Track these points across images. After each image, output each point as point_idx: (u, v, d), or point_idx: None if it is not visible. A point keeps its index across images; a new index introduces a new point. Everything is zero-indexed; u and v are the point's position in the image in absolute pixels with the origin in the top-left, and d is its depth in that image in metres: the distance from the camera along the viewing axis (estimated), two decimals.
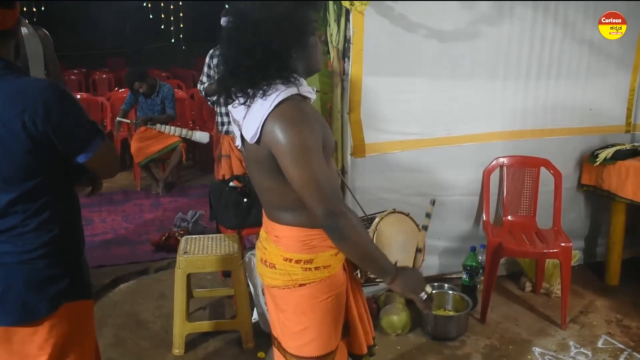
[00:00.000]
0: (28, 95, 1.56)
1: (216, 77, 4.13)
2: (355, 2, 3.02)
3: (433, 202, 1.93)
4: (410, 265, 1.98)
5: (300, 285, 1.81)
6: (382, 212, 2.05)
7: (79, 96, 7.59)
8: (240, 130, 1.79)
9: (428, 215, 1.91)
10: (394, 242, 2.00)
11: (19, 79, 1.62)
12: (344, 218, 1.61)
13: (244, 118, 1.74)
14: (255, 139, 1.68)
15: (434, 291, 1.83)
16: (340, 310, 1.90)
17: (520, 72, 3.67)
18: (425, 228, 1.92)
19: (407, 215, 2.10)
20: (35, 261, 1.66)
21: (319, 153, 1.65)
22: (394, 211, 2.06)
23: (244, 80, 1.70)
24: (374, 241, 1.92)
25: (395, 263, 1.76)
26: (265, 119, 1.64)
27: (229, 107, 1.84)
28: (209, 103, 4.60)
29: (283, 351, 1.92)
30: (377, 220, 1.99)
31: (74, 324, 1.76)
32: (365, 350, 2.02)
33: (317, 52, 1.83)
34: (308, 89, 1.75)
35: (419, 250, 1.93)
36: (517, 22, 3.55)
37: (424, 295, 1.77)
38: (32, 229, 1.65)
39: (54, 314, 1.70)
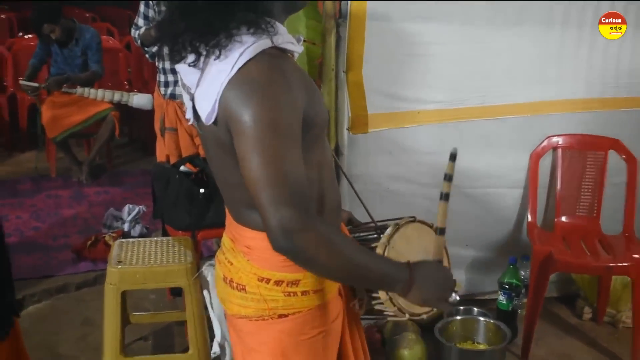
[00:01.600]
0: None
1: (157, 21, 4.14)
2: None
3: (454, 157, 1.80)
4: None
5: (280, 316, 1.76)
6: (398, 219, 1.99)
7: None
8: (192, 100, 1.70)
9: (449, 178, 1.78)
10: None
11: None
12: (305, 234, 1.50)
13: (197, 86, 1.66)
14: (213, 118, 1.60)
15: (459, 317, 1.78)
16: (332, 350, 1.89)
17: (586, 19, 3.65)
18: (446, 197, 1.78)
19: (432, 226, 1.98)
20: None
21: (291, 136, 1.56)
22: (414, 220, 2.01)
23: (201, 23, 1.60)
24: None
25: (408, 262, 1.66)
26: (225, 87, 1.55)
27: (177, 65, 1.74)
28: (146, 56, 4.59)
29: None
30: (389, 231, 1.91)
31: None
32: None
33: None
34: (289, 38, 1.66)
35: (440, 232, 1.80)
36: None
37: (454, 299, 1.70)
38: None
39: None
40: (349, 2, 3.23)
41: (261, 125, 1.50)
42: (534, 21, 3.61)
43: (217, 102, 1.56)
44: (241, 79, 1.53)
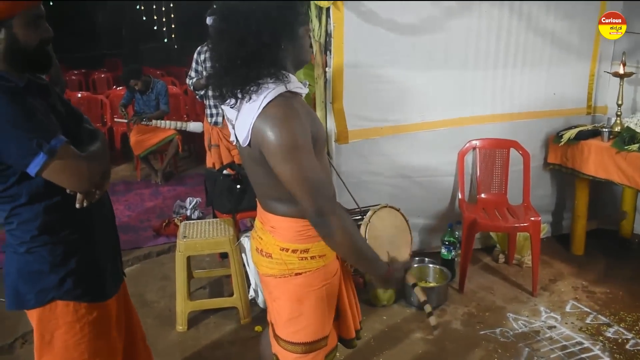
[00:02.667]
0: None
1: (206, 74, 4.09)
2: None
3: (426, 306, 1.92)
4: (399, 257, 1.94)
5: (297, 274, 1.76)
6: (375, 205, 2.00)
7: (79, 95, 7.48)
8: (234, 129, 1.72)
9: (430, 314, 1.92)
10: (385, 236, 1.94)
11: None
12: (333, 217, 1.56)
13: (236, 120, 1.67)
14: (247, 142, 1.61)
15: (416, 265, 1.81)
16: (333, 297, 1.86)
17: (489, 62, 3.66)
18: (429, 315, 1.92)
19: (398, 210, 2.04)
20: (24, 254, 1.64)
21: (308, 150, 1.57)
22: (386, 206, 2.00)
23: (237, 77, 1.59)
24: (366, 234, 1.86)
25: (388, 265, 1.76)
26: (255, 121, 1.56)
27: (223, 106, 1.74)
28: (197, 97, 4.55)
29: (277, 337, 1.88)
30: (370, 213, 1.93)
31: (63, 324, 1.68)
32: (353, 334, 2.02)
33: (306, 43, 1.73)
34: (298, 84, 1.65)
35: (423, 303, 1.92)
36: (484, 15, 3.54)
37: (433, 322, 1.88)
38: (15, 227, 1.62)
39: (42, 307, 1.66)
40: (332, 56, 3.19)
41: (285, 145, 1.53)
42: (454, 64, 3.59)
43: (250, 131, 1.58)
44: (266, 115, 1.55)
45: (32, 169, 1.49)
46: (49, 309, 1.66)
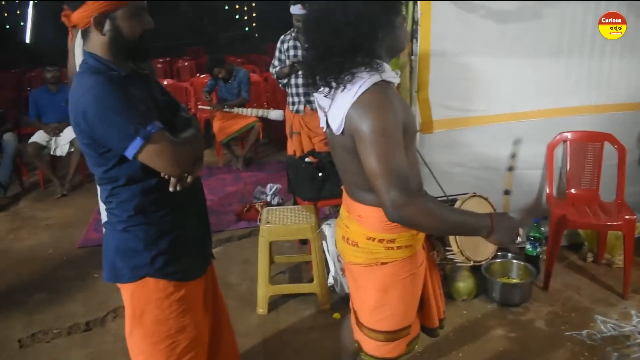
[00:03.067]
0: (77, 95, 1.57)
1: (295, 61, 4.12)
2: None
3: (516, 141, 1.75)
4: (487, 252, 1.85)
5: (383, 263, 1.77)
6: (463, 194, 1.94)
7: (165, 82, 7.74)
8: (326, 117, 1.74)
9: (512, 156, 1.75)
10: None
11: (83, 77, 1.59)
12: (408, 207, 1.50)
13: (329, 108, 1.68)
14: (341, 130, 1.62)
15: (498, 260, 1.73)
16: (418, 287, 1.86)
17: (584, 49, 3.45)
18: (510, 169, 1.77)
19: (487, 199, 1.95)
20: (121, 232, 1.73)
21: (396, 140, 1.55)
22: (475, 195, 1.93)
23: (332, 65, 1.61)
24: None
25: (490, 217, 1.60)
26: (349, 109, 1.58)
27: (315, 94, 1.77)
28: (280, 86, 4.59)
29: (359, 324, 1.90)
30: (458, 202, 1.87)
31: (153, 300, 1.76)
32: (437, 324, 2.02)
33: (402, 33, 1.72)
34: (391, 73, 1.65)
35: (506, 192, 1.80)
36: (581, 1, 3.35)
37: (519, 241, 1.67)
38: (115, 206, 1.72)
39: (135, 283, 1.74)
40: (418, 44, 3.12)
41: (375, 133, 1.53)
42: (547, 52, 3.41)
43: (344, 119, 1.60)
44: (360, 103, 1.56)
45: (129, 152, 1.57)
46: (140, 285, 1.75)
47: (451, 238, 1.81)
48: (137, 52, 1.68)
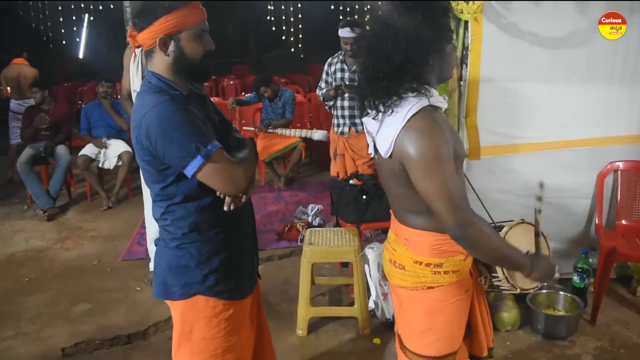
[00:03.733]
0: (139, 113, 1.61)
1: (347, 84, 4.15)
2: (464, 11, 2.90)
3: (542, 185, 1.74)
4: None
5: (429, 287, 1.75)
6: (511, 221, 1.93)
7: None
8: (374, 141, 1.75)
9: (539, 199, 1.74)
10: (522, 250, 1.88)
11: (146, 96, 1.64)
12: (473, 228, 1.54)
13: (377, 132, 1.70)
14: (389, 154, 1.64)
15: (544, 291, 1.76)
16: (465, 313, 1.84)
17: (637, 77, 3.37)
18: (539, 211, 1.76)
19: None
20: (174, 249, 1.75)
21: (449, 163, 1.57)
22: (523, 222, 1.92)
23: (379, 89, 1.64)
24: None
25: (527, 252, 1.69)
26: (398, 133, 1.59)
27: (364, 118, 1.79)
28: (326, 108, 4.61)
29: (404, 348, 1.87)
30: (505, 229, 1.86)
31: (202, 318, 1.77)
32: (485, 353, 1.96)
33: (452, 60, 1.75)
34: (439, 98, 1.67)
35: (537, 235, 1.77)
36: (635, 27, 3.27)
37: (557, 277, 1.72)
38: (169, 223, 1.74)
39: (186, 300, 1.76)
40: (468, 70, 3.10)
41: (430, 158, 1.54)
42: (599, 79, 3.34)
43: (393, 143, 1.61)
44: (410, 127, 1.57)
45: (189, 170, 1.60)
46: (191, 303, 1.76)
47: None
48: (198, 72, 1.72)
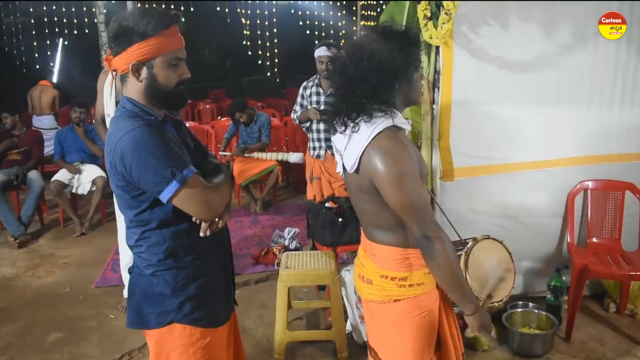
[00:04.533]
0: (114, 138, 1.60)
1: (321, 110, 4.20)
2: (433, 37, 2.97)
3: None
4: (500, 294, 1.95)
5: (395, 300, 1.82)
6: (477, 236, 1.98)
7: (187, 124, 7.84)
8: (341, 159, 1.84)
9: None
10: (486, 267, 1.93)
11: (120, 121, 1.63)
12: (439, 241, 1.64)
13: (345, 149, 1.79)
14: (355, 169, 1.73)
15: (519, 309, 1.82)
16: (433, 326, 1.88)
17: (603, 98, 3.47)
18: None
19: (501, 242, 2.02)
20: (149, 277, 1.72)
21: (415, 178, 1.67)
22: (488, 237, 1.98)
23: (354, 107, 1.73)
24: (466, 264, 1.87)
25: (477, 302, 1.79)
26: (364, 150, 1.69)
27: (333, 137, 1.89)
28: (303, 129, 4.63)
29: None
30: (471, 244, 1.92)
31: (179, 346, 1.74)
32: None
33: (419, 86, 1.85)
34: (403, 120, 1.77)
35: (489, 297, 1.89)
36: (600, 51, 3.38)
37: (491, 336, 1.81)
38: (144, 250, 1.71)
39: (161, 329, 1.73)
40: (440, 93, 3.15)
41: (397, 174, 1.64)
42: (566, 101, 3.42)
43: (358, 159, 1.71)
44: (376, 145, 1.68)
45: (164, 196, 1.59)
46: (167, 331, 1.73)
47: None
48: (171, 100, 1.71)
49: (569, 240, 3.50)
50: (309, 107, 4.33)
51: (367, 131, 1.69)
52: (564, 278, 3.41)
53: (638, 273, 3.15)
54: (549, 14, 3.25)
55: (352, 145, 1.74)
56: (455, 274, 1.70)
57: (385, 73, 1.70)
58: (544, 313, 3.30)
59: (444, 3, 2.90)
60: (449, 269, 1.68)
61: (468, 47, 3.15)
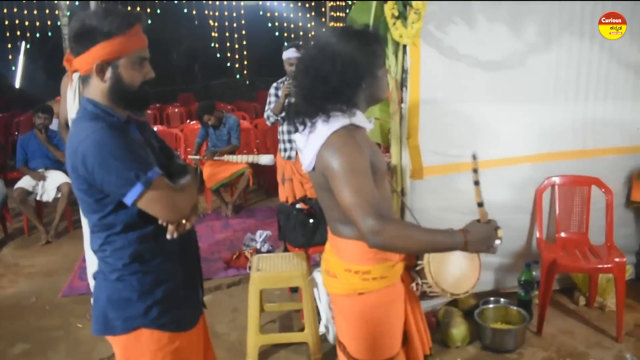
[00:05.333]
0: (75, 140, 1.57)
1: (288, 103, 4.15)
2: (403, 36, 2.98)
3: (474, 156, 1.77)
4: (465, 286, 1.95)
5: (360, 294, 1.83)
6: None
7: (155, 128, 7.73)
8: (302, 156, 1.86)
9: (475, 170, 1.80)
10: (449, 259, 1.95)
11: (82, 122, 1.60)
12: (383, 235, 1.58)
13: (304, 147, 1.81)
14: (312, 167, 1.77)
15: (491, 305, 1.78)
16: (398, 318, 1.91)
17: (570, 96, 3.55)
18: (476, 183, 1.81)
19: None
20: (114, 282, 1.69)
21: (365, 176, 1.66)
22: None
23: (315, 107, 1.75)
24: (429, 257, 1.88)
25: (463, 231, 1.65)
26: (320, 148, 1.72)
27: (295, 135, 1.90)
28: (279, 119, 4.41)
29: (347, 355, 1.93)
30: None
31: (147, 352, 1.71)
32: (422, 359, 2.02)
33: (383, 83, 1.87)
34: (362, 118, 1.79)
35: (479, 205, 1.82)
36: (564, 49, 3.45)
37: (498, 243, 1.70)
38: (109, 255, 1.68)
39: (128, 334, 1.70)
40: (408, 92, 3.17)
41: (345, 170, 1.65)
42: (534, 99, 3.50)
43: (315, 157, 1.74)
44: (329, 143, 1.70)
45: (128, 199, 1.56)
46: (134, 337, 1.70)
47: (426, 271, 1.88)
48: (136, 100, 1.68)
49: (538, 236, 3.56)
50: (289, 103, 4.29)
51: (323, 130, 1.72)
52: (534, 273, 3.47)
53: (605, 266, 3.23)
54: (514, 14, 3.31)
55: (309, 144, 1.77)
56: (423, 243, 1.63)
57: (349, 74, 1.72)
58: (515, 308, 3.35)
59: (413, 3, 2.91)
60: (413, 247, 1.64)
61: (436, 45, 3.18)
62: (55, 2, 4.46)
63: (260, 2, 8.66)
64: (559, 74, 3.50)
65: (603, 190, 3.53)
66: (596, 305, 3.63)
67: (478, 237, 1.66)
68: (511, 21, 3.32)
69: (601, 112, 3.63)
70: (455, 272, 1.94)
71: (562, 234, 3.60)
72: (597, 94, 3.59)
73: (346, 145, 1.68)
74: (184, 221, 1.68)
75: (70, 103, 3.32)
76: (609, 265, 3.21)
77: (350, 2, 10.63)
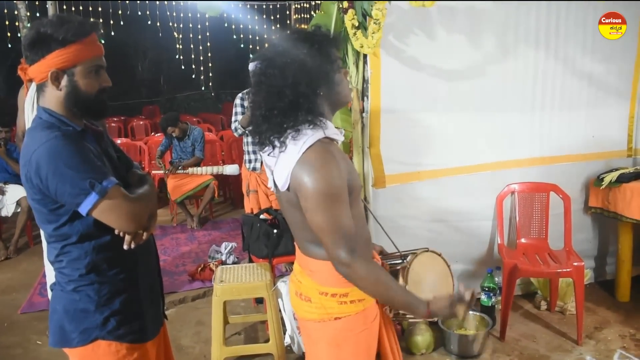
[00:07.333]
0: (29, 150, 1.55)
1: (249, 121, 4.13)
2: (364, 45, 3.02)
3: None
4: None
5: (336, 318, 1.72)
6: (416, 250, 1.97)
7: (119, 141, 7.66)
8: (272, 175, 1.72)
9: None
10: (426, 281, 1.91)
11: (36, 132, 1.57)
12: (350, 269, 1.56)
13: (275, 165, 1.67)
14: (286, 187, 1.62)
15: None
16: (372, 342, 1.82)
17: (527, 105, 3.65)
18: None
19: (440, 255, 2.00)
20: (71, 293, 1.66)
21: (342, 200, 1.57)
22: (427, 250, 1.97)
23: (275, 125, 1.61)
24: (406, 279, 1.84)
25: (427, 303, 1.64)
26: (294, 167, 1.58)
27: (262, 153, 1.75)
28: (247, 132, 4.31)
29: None
30: (410, 258, 1.91)
31: None
32: None
33: (344, 87, 1.73)
34: (335, 130, 1.66)
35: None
36: (521, 59, 3.54)
37: (461, 315, 1.67)
38: (65, 265, 1.65)
39: (85, 346, 1.67)
40: (369, 102, 3.20)
41: (320, 193, 1.54)
42: (493, 108, 3.57)
43: (289, 176, 1.59)
44: (304, 160, 1.56)
45: (83, 208, 1.53)
46: (91, 349, 1.67)
47: None
48: (92, 109, 1.65)
49: (499, 242, 3.62)
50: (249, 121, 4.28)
51: (295, 148, 1.58)
52: (496, 279, 3.52)
53: (565, 270, 3.29)
54: (471, 25, 3.38)
55: (281, 162, 1.63)
56: (385, 291, 1.62)
57: (302, 85, 1.59)
58: (478, 314, 3.39)
59: (373, 13, 2.95)
60: (375, 290, 1.62)
61: (396, 56, 3.23)
62: (16, 12, 4.36)
63: (225, 14, 8.63)
64: (517, 83, 3.59)
65: (561, 196, 3.61)
66: (557, 309, 3.70)
67: (441, 308, 1.65)
68: (470, 32, 3.39)
69: (557, 120, 3.73)
70: (430, 293, 1.87)
71: (523, 240, 3.68)
72: (554, 103, 3.69)
73: (324, 164, 1.55)
74: (141, 231, 1.66)
75: (28, 113, 3.25)
76: (568, 270, 3.27)
77: (314, 14, 10.70)
